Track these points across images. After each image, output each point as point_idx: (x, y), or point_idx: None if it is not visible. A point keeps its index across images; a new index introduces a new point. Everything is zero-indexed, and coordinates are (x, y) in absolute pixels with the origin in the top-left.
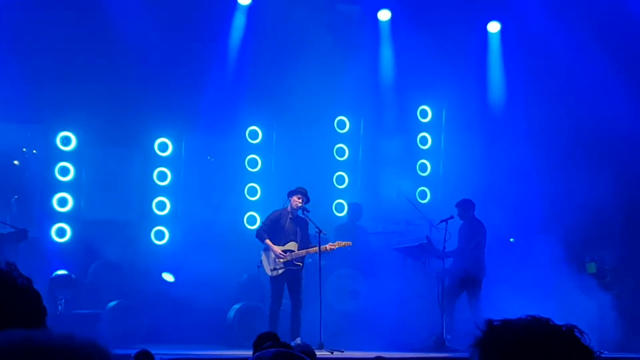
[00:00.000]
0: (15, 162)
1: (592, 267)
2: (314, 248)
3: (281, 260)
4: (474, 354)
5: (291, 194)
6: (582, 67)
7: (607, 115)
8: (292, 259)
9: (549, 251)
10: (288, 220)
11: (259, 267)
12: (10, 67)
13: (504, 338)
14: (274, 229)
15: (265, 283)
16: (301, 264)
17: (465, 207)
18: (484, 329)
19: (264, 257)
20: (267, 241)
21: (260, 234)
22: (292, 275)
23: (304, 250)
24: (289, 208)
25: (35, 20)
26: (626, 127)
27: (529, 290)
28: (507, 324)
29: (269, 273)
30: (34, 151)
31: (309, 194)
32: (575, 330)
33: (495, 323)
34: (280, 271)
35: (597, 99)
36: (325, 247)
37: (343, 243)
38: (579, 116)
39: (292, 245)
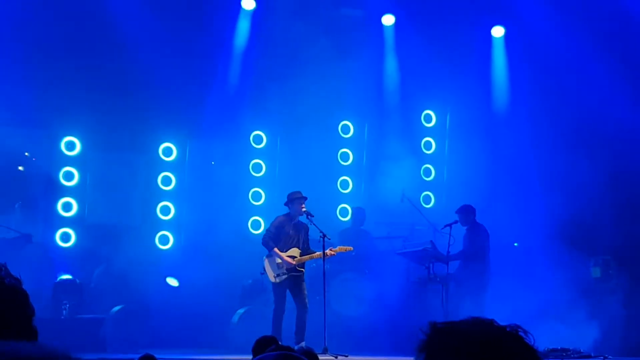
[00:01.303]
0: (20, 167)
1: (596, 272)
2: (317, 253)
3: (293, 263)
4: (419, 357)
5: (291, 201)
6: (586, 71)
7: (612, 119)
8: (295, 265)
9: (553, 256)
10: (291, 226)
11: (262, 273)
12: (15, 72)
13: (448, 340)
14: (278, 236)
15: (269, 288)
16: (304, 270)
17: (466, 212)
18: (428, 332)
19: (266, 264)
20: (276, 250)
21: (266, 241)
22: (294, 281)
23: (308, 256)
24: (291, 214)
25: (40, 26)
26: (631, 131)
27: (532, 294)
28: (451, 325)
29: (273, 279)
30: (33, 159)
31: (312, 198)
32: (520, 330)
33: (439, 325)
34: (283, 277)
35: (601, 103)
36: (332, 252)
37: (344, 248)
38: (583, 121)
39: (294, 252)
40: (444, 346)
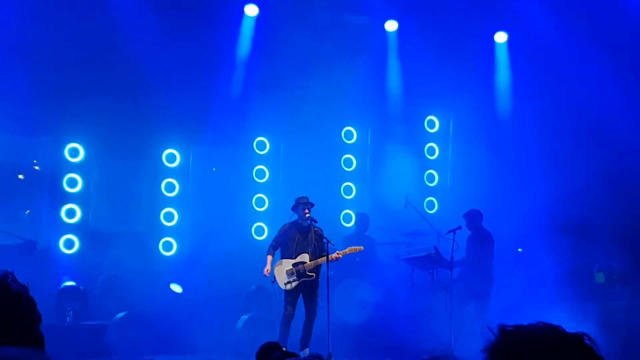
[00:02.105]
0: (20, 176)
1: (600, 277)
2: (322, 258)
3: (265, 274)
4: (486, 358)
5: (296, 208)
6: (589, 76)
7: (617, 124)
8: (304, 271)
9: (557, 261)
10: (297, 232)
11: (273, 282)
12: (18, 79)
13: (515, 343)
14: (284, 243)
15: (277, 294)
16: (314, 275)
17: (473, 217)
18: (496, 333)
19: (276, 272)
20: (268, 257)
21: (272, 247)
22: (307, 286)
23: (314, 262)
24: (298, 220)
25: (44, 33)
26: (637, 136)
27: (537, 300)
28: (518, 329)
29: (283, 287)
30: (37, 167)
31: (316, 204)
32: (585, 337)
33: (507, 328)
34: (294, 284)
35: (606, 108)
36: (338, 254)
37: (355, 248)
38: (587, 125)
39: (304, 257)
40: (512, 349)
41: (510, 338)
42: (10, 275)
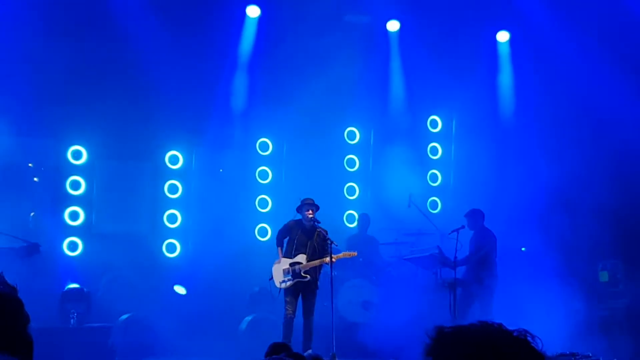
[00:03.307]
0: (35, 179)
1: (604, 276)
2: (317, 260)
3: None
4: None
5: (300, 208)
6: (592, 75)
7: (619, 122)
8: (299, 271)
9: (560, 260)
10: (300, 232)
11: (270, 279)
12: (21, 81)
13: (456, 344)
14: (284, 238)
15: (275, 293)
16: (309, 276)
17: (475, 217)
18: (434, 336)
19: (273, 270)
20: (279, 249)
21: (277, 240)
22: (304, 287)
23: (309, 263)
24: (303, 221)
25: (46, 35)
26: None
27: (540, 299)
28: (458, 330)
29: (278, 285)
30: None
31: (319, 205)
32: (527, 335)
33: (446, 330)
34: (288, 283)
35: (608, 106)
36: (328, 259)
37: (348, 254)
38: (590, 124)
39: (301, 258)
40: (451, 350)
41: (449, 339)
42: None
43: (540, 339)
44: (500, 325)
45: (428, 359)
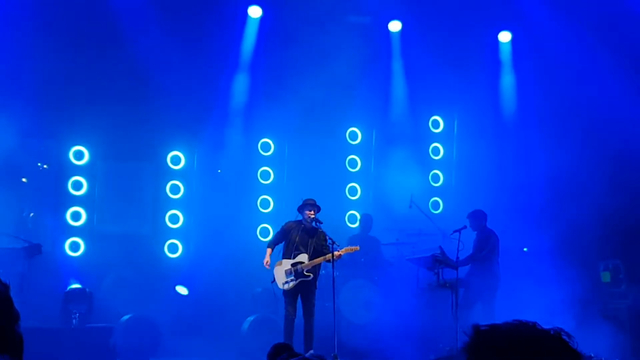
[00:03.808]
0: (24, 179)
1: (606, 276)
2: (320, 258)
3: (265, 265)
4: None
5: (301, 208)
6: (593, 75)
7: (622, 122)
8: (302, 271)
9: (562, 260)
10: (300, 232)
11: (272, 282)
12: (23, 82)
13: (492, 342)
14: (283, 239)
15: (279, 295)
16: (312, 275)
17: (477, 217)
18: (471, 334)
19: (275, 272)
20: (268, 250)
21: (272, 241)
22: (304, 286)
23: (311, 262)
24: (303, 221)
25: (48, 36)
26: None
27: (542, 299)
28: (494, 328)
29: (281, 287)
30: (45, 166)
31: (321, 205)
32: (563, 333)
33: (482, 328)
34: (292, 284)
35: (610, 106)
36: (332, 256)
37: (351, 248)
38: (591, 124)
39: (302, 257)
40: (488, 348)
41: (486, 338)
42: None
43: (575, 339)
44: (535, 323)
45: (464, 357)
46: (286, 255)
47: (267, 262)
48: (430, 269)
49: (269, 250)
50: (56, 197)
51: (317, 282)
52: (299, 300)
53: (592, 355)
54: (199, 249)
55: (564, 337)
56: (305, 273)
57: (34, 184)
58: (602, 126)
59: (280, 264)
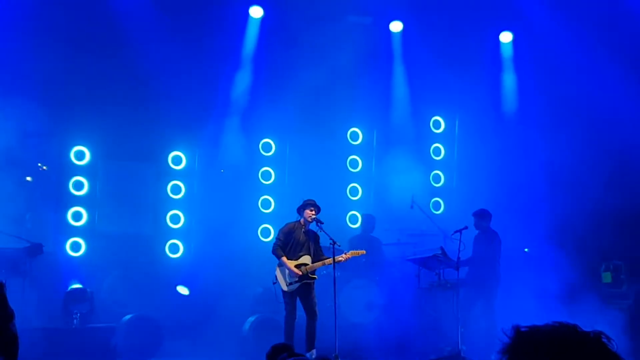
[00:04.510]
0: (28, 178)
1: (607, 277)
2: (329, 260)
3: (299, 273)
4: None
5: (302, 208)
6: (594, 75)
7: (623, 123)
8: (306, 272)
9: (563, 261)
10: (301, 233)
11: (274, 283)
12: (25, 82)
13: (532, 344)
14: (287, 242)
15: (280, 296)
16: (316, 277)
17: (482, 216)
18: (511, 335)
19: (278, 273)
20: (284, 259)
21: (275, 250)
22: (305, 288)
23: (319, 263)
24: (302, 221)
25: (50, 36)
26: None
27: (543, 300)
28: (534, 330)
29: (285, 288)
30: (44, 167)
31: (321, 206)
32: (603, 336)
33: (522, 329)
34: (296, 285)
35: (611, 107)
36: (339, 258)
37: (357, 252)
38: (592, 125)
39: (306, 259)
40: (528, 349)
41: (526, 339)
42: None
43: (615, 341)
44: (575, 326)
45: (504, 358)
46: (289, 257)
47: (297, 271)
48: (431, 269)
49: (285, 259)
50: (57, 197)
51: (319, 282)
52: (297, 301)
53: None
54: (200, 249)
55: (604, 339)
56: (310, 275)
57: (35, 184)
58: (603, 126)
59: (282, 265)
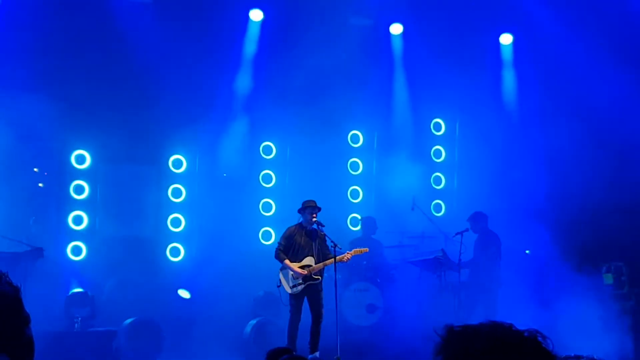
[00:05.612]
0: (40, 184)
1: (609, 278)
2: (331, 260)
3: (302, 275)
4: None
5: (302, 210)
6: (595, 77)
7: (624, 124)
8: (310, 274)
9: (564, 262)
10: (303, 235)
11: (278, 286)
12: (25, 85)
13: (466, 344)
14: (289, 246)
15: (283, 299)
16: (320, 278)
17: (477, 220)
18: (444, 334)
19: (281, 276)
20: (287, 262)
21: (278, 254)
22: (312, 289)
23: (322, 263)
24: (303, 223)
25: (51, 40)
26: None
27: (544, 301)
28: (468, 329)
29: (290, 291)
30: (45, 173)
31: (322, 208)
32: (538, 335)
33: (456, 328)
34: (300, 288)
35: (613, 108)
36: (342, 257)
37: (360, 250)
38: (593, 126)
39: (309, 260)
40: (461, 349)
41: (459, 338)
42: (3, 277)
43: (551, 340)
44: (510, 325)
45: (438, 358)
46: (292, 260)
47: (302, 272)
48: (432, 271)
49: (288, 261)
50: (58, 201)
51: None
52: (305, 303)
53: (595, 357)
54: (201, 252)
55: (539, 338)
56: (313, 276)
57: (36, 188)
58: (605, 127)
59: (285, 268)
